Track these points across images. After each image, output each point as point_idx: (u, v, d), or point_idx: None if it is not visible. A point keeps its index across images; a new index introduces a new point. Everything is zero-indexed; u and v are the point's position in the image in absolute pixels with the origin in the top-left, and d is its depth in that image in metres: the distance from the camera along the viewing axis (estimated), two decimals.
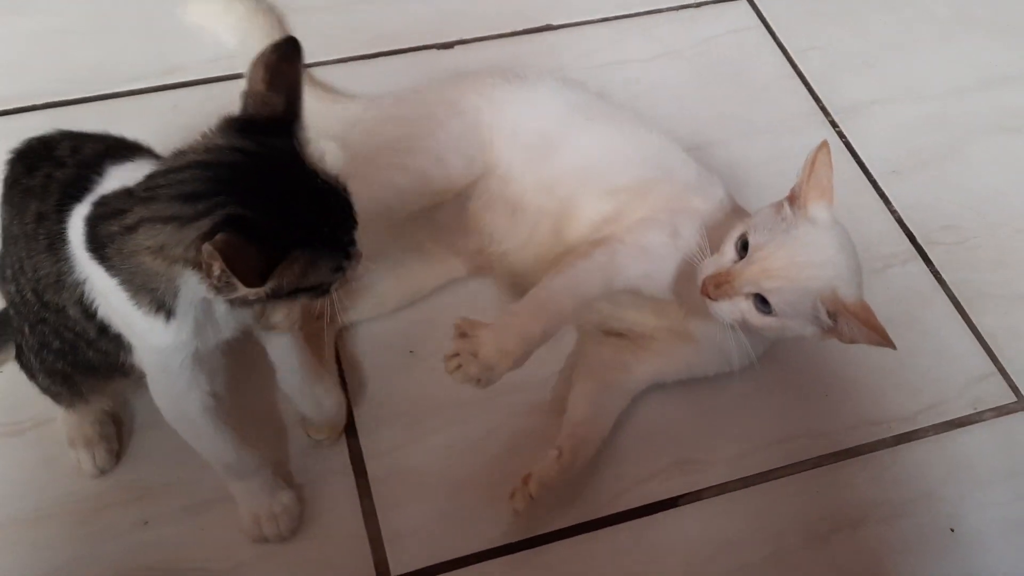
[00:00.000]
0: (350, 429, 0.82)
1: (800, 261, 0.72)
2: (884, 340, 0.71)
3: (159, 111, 1.00)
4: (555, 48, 1.13)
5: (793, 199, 0.75)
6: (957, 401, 0.90)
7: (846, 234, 0.75)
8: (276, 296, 0.58)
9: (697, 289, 0.75)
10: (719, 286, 0.73)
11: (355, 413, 0.83)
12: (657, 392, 0.85)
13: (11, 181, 0.68)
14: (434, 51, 1.10)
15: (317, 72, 1.02)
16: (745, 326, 0.74)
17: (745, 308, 0.73)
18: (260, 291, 0.55)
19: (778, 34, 1.16)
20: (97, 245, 0.59)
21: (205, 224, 0.54)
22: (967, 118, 1.11)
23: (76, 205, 0.61)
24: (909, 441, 0.86)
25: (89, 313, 0.64)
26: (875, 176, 1.05)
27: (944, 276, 0.98)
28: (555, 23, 1.15)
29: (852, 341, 0.72)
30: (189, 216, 0.55)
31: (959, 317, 0.95)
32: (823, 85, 1.12)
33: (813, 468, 0.84)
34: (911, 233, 1.01)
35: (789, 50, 1.15)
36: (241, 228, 0.53)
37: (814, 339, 0.75)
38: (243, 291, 0.55)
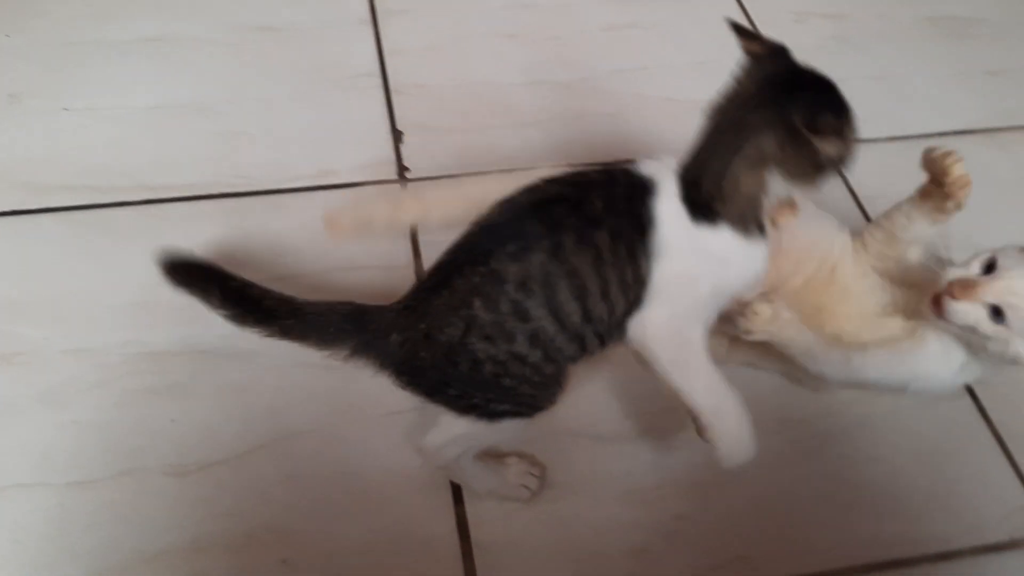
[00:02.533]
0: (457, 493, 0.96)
1: None
2: None
3: (314, 208, 1.18)
4: None
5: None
6: (995, 528, 0.99)
7: None
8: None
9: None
10: (965, 288, 0.86)
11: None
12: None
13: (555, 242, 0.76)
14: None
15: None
16: (970, 333, 0.87)
17: (980, 315, 0.86)
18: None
19: (851, 183, 1.31)
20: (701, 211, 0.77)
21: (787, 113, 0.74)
22: None
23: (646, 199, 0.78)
24: (949, 560, 0.97)
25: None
26: None
27: (990, 414, 1.08)
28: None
29: None
30: (763, 120, 0.75)
31: (1001, 453, 1.05)
32: None
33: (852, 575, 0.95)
34: None
35: (860, 196, 1.29)
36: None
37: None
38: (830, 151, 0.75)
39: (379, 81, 1.35)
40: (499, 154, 1.27)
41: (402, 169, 1.24)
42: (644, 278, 0.78)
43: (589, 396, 1.04)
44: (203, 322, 1.05)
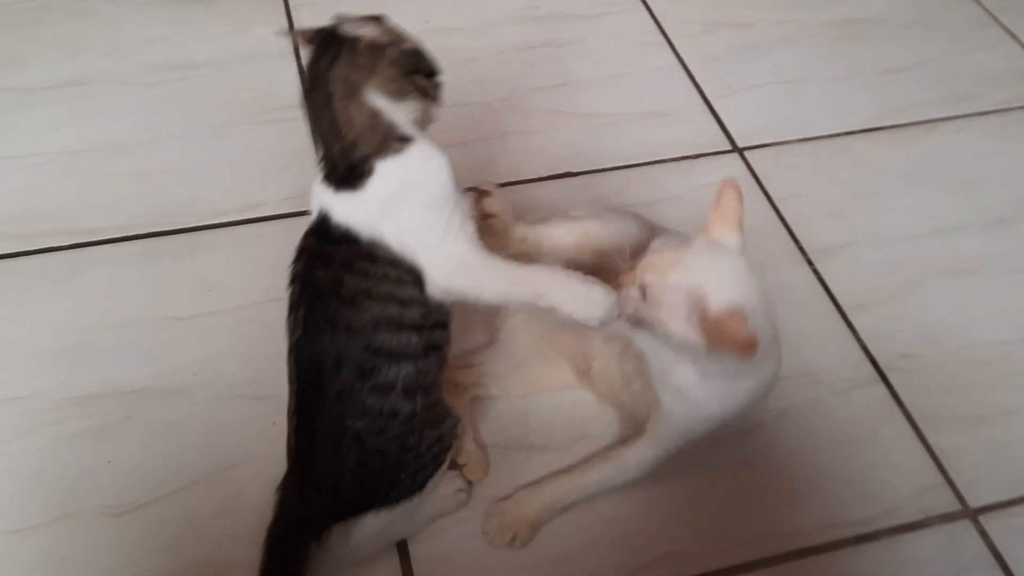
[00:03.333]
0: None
1: (679, 262, 0.82)
2: (738, 347, 0.76)
3: (240, 242, 1.20)
4: (577, 189, 1.33)
5: (712, 228, 0.85)
6: (910, 508, 1.04)
7: (746, 260, 0.83)
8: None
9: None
10: (618, 275, 0.85)
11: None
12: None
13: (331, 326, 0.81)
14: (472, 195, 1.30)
15: None
16: (638, 322, 0.84)
17: (635, 297, 0.83)
18: None
19: (764, 184, 1.36)
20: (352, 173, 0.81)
21: None
22: (923, 260, 1.28)
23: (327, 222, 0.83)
24: (868, 541, 1.01)
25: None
26: (844, 309, 1.21)
27: (902, 398, 1.14)
28: (574, 170, 1.35)
29: (716, 347, 0.79)
30: (330, 60, 0.80)
31: (914, 435, 1.11)
32: (801, 228, 1.31)
33: (778, 564, 0.98)
34: (874, 359, 1.16)
35: (773, 197, 1.35)
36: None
37: (696, 350, 0.81)
38: None
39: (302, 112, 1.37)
40: None
41: None
42: (396, 259, 0.81)
43: (513, 412, 1.07)
44: (132, 362, 1.07)
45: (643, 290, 0.83)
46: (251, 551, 0.82)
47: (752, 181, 1.36)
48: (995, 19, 1.68)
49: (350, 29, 0.80)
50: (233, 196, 1.25)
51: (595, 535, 0.98)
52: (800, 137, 1.43)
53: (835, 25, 1.64)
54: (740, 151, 1.40)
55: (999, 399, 1.14)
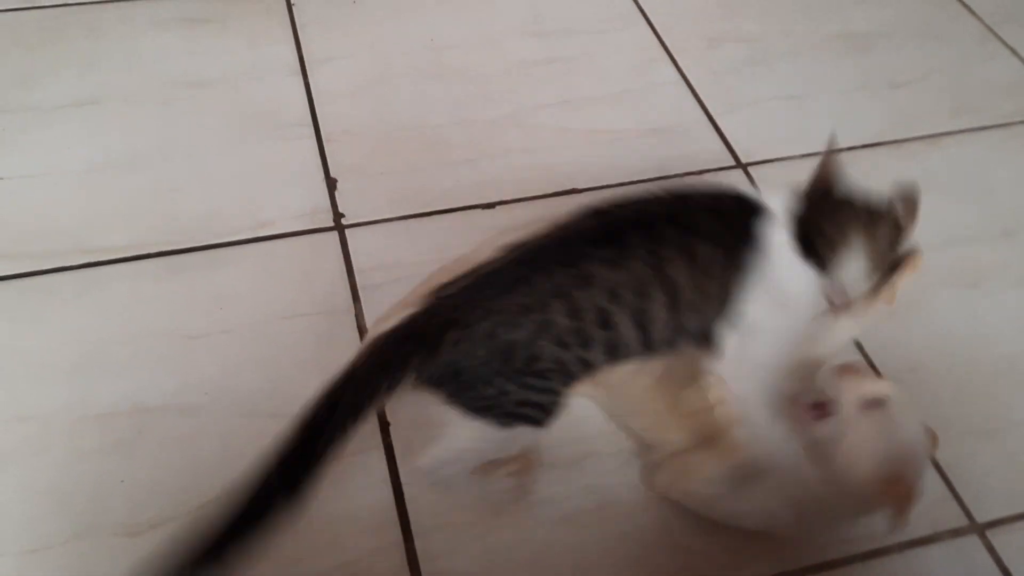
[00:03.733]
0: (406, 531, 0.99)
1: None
2: (900, 509, 0.85)
3: (252, 259, 1.21)
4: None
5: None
6: (920, 523, 1.04)
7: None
8: None
9: None
10: (819, 408, 0.91)
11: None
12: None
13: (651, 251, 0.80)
14: (479, 211, 1.32)
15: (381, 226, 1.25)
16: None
17: (849, 412, 0.89)
18: None
19: None
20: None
21: None
22: (931, 272, 1.27)
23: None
24: (878, 557, 1.02)
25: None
26: None
27: None
28: (579, 187, 1.37)
29: (876, 500, 0.87)
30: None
31: None
32: None
33: None
34: (879, 372, 1.17)
35: None
36: None
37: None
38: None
39: (310, 130, 1.39)
40: (432, 194, 1.32)
41: (338, 216, 1.27)
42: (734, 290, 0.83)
43: None
44: (146, 380, 1.08)
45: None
46: (263, 568, 0.83)
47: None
48: (994, 33, 1.69)
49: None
50: (246, 213, 1.26)
51: (609, 546, 0.99)
52: (805, 152, 1.43)
53: (839, 38, 1.65)
54: (744, 167, 1.41)
55: (1008, 411, 1.15)
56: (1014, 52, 1.66)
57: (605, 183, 1.37)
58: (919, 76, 1.59)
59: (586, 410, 1.07)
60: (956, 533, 1.04)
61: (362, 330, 1.13)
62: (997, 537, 1.04)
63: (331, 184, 1.31)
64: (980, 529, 1.05)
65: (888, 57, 1.63)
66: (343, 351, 1.11)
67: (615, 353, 0.83)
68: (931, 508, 1.06)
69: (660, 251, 0.80)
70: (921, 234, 1.34)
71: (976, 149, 1.48)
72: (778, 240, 0.86)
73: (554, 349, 0.79)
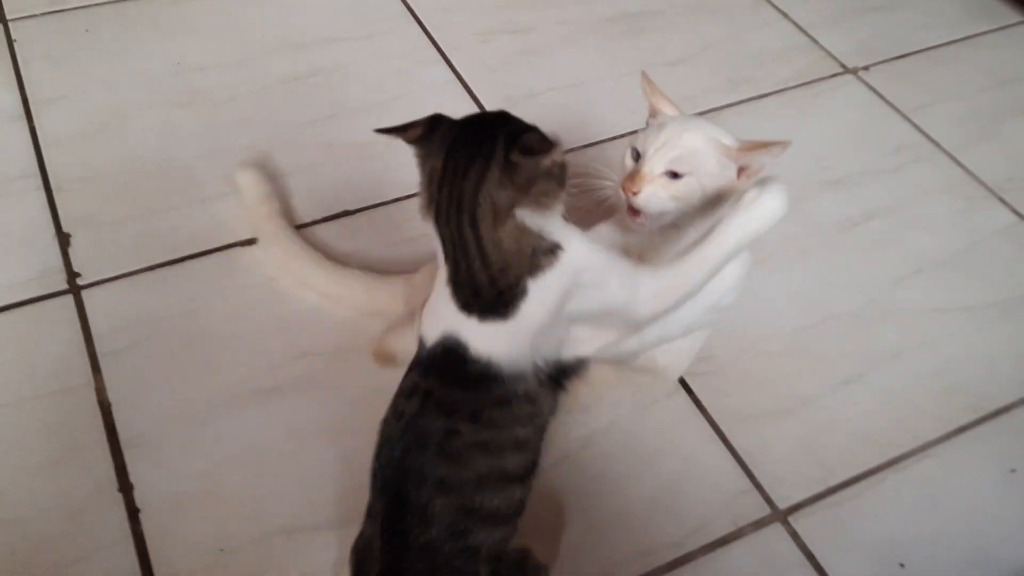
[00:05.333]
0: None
1: (683, 133, 0.92)
2: (777, 143, 0.91)
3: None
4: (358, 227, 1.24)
5: (653, 114, 1.00)
6: (721, 520, 1.01)
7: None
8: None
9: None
10: (634, 179, 0.91)
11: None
12: None
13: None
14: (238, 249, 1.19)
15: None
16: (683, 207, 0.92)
17: (662, 184, 0.91)
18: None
19: None
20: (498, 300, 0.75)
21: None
22: None
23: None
24: (682, 565, 0.98)
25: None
26: None
27: (704, 404, 1.11)
28: (350, 208, 1.26)
29: (760, 170, 0.92)
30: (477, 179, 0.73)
31: (719, 440, 1.08)
32: None
33: None
34: None
35: None
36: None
37: (729, 188, 0.92)
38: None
39: (38, 180, 1.23)
40: (184, 236, 1.19)
41: (72, 276, 1.13)
42: (534, 395, 0.79)
43: (296, 486, 0.98)
44: None
45: (670, 172, 0.91)
46: None
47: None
48: None
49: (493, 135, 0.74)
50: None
51: None
52: (587, 142, 1.39)
53: (614, 21, 1.62)
54: None
55: (798, 389, 1.13)
56: (785, 15, 1.67)
57: (380, 199, 1.28)
58: (695, 51, 1.57)
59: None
60: (759, 524, 1.01)
61: (104, 405, 1.00)
62: (799, 522, 1.01)
63: (63, 240, 1.17)
64: (782, 516, 1.02)
65: (662, 35, 1.60)
66: (80, 436, 0.99)
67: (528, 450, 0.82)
68: (733, 501, 1.03)
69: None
70: None
71: (755, 119, 1.47)
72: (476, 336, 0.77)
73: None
